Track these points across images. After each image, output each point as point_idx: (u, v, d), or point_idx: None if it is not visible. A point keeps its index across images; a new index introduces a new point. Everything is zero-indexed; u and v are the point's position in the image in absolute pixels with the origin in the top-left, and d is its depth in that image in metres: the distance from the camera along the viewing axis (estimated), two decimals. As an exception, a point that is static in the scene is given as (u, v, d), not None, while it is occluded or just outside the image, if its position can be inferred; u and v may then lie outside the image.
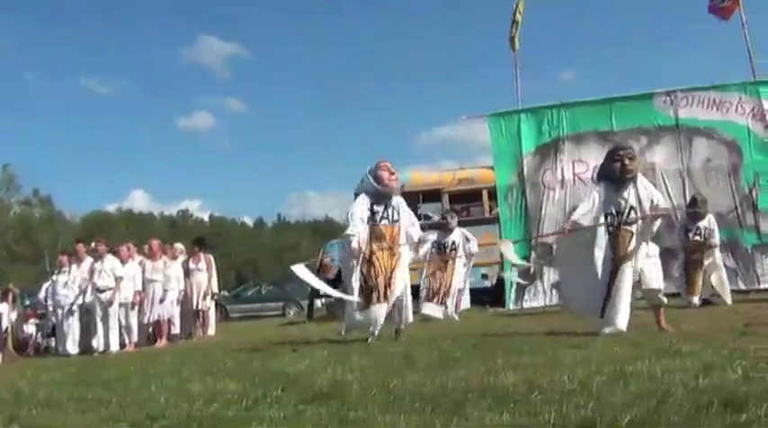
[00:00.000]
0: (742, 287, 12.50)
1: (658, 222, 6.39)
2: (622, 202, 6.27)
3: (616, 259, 6.20)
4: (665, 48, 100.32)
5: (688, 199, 13.19)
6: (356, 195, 7.56)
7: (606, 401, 2.72)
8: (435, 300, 10.73)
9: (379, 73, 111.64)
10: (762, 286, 12.68)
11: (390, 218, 7.19)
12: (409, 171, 16.15)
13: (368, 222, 7.12)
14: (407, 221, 7.33)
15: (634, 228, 6.26)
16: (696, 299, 10.29)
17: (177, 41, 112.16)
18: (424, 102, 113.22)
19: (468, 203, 15.06)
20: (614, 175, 6.33)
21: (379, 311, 6.96)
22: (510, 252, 8.95)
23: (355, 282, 7.02)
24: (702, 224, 10.67)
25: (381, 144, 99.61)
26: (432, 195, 14.82)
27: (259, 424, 2.83)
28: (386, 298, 6.95)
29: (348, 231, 7.02)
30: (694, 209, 10.79)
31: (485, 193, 14.63)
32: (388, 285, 6.97)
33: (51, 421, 3.44)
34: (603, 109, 14.16)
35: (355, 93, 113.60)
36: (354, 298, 6.97)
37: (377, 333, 7.04)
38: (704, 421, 2.22)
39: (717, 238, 10.68)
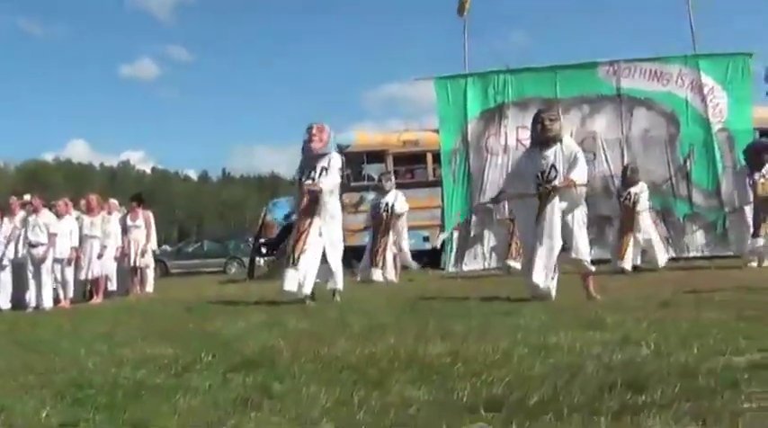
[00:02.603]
0: (672, 255, 12.95)
1: (582, 191, 6.53)
2: (544, 163, 6.44)
3: (539, 218, 6.37)
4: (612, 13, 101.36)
5: (626, 167, 13.59)
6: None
7: (523, 375, 2.82)
8: (377, 263, 10.84)
9: (332, 26, 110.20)
10: (691, 254, 13.18)
11: (314, 178, 7.25)
12: (354, 131, 16.12)
13: (298, 183, 7.34)
14: (328, 180, 7.28)
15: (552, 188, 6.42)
16: (625, 264, 10.59)
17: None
18: (377, 58, 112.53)
19: (412, 166, 15.14)
20: (536, 137, 6.57)
21: (288, 275, 7.03)
22: None
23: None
24: (633, 190, 11.00)
25: (330, 98, 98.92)
26: (376, 156, 14.84)
27: (184, 393, 2.84)
28: (296, 261, 7.02)
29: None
30: (624, 176, 11.16)
31: (429, 156, 14.73)
32: (301, 249, 7.05)
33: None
34: (548, 76, 14.32)
35: (305, 47, 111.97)
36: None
37: (301, 295, 7.06)
38: (605, 402, 2.33)
39: (643, 204, 11.00)
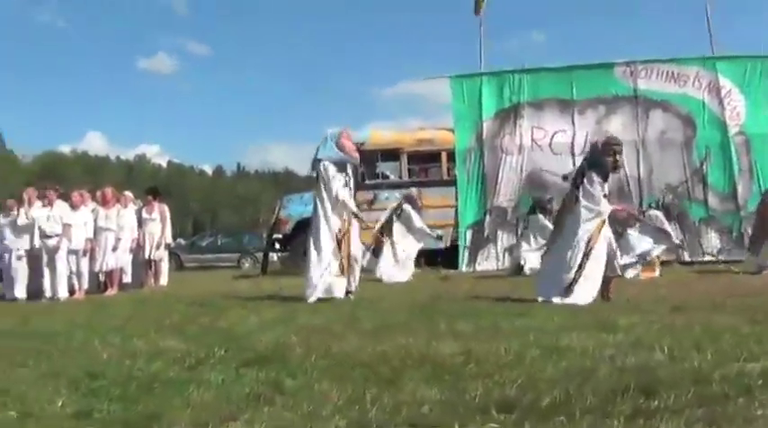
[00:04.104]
0: (687, 258, 12.87)
1: None
2: (606, 192, 6.63)
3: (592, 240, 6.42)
4: (631, 15, 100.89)
5: (642, 170, 13.51)
6: (319, 160, 7.48)
7: (536, 377, 2.82)
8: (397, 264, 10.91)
9: (349, 23, 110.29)
10: (706, 258, 13.07)
11: (349, 185, 7.37)
12: (369, 129, 16.13)
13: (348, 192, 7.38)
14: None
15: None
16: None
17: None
18: (393, 56, 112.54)
19: (426, 164, 15.11)
20: (606, 169, 6.64)
21: (341, 284, 7.12)
22: None
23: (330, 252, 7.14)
24: None
25: (346, 97, 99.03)
26: (391, 154, 14.81)
27: (197, 387, 2.87)
28: (344, 270, 7.11)
29: (352, 208, 7.32)
30: None
31: (444, 155, 14.68)
32: (348, 255, 7.13)
33: (-11, 374, 3.42)
34: (565, 77, 14.24)
35: (321, 45, 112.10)
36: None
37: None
38: (617, 406, 2.33)
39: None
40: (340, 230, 7.15)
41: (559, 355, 3.30)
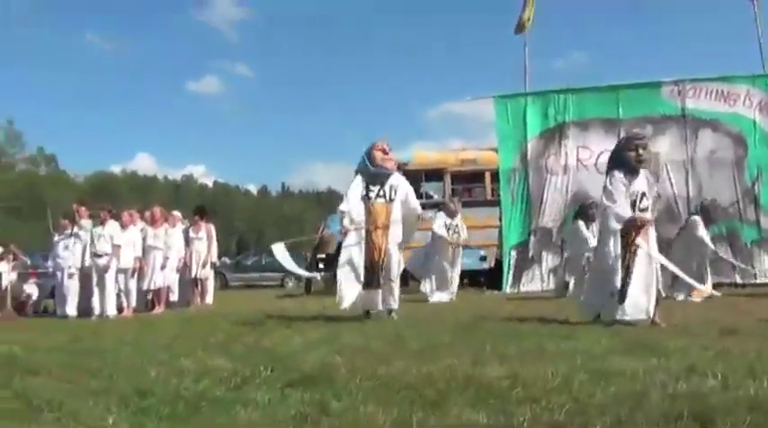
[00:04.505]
0: (739, 281, 12.54)
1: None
2: (634, 192, 6.31)
3: (630, 248, 6.23)
4: (678, 33, 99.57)
5: (691, 190, 13.23)
6: (356, 173, 7.57)
7: (584, 402, 2.76)
8: (443, 284, 10.90)
9: (393, 44, 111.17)
10: (759, 281, 12.71)
11: (387, 196, 7.23)
12: (413, 150, 16.19)
13: (362, 201, 7.22)
14: (403, 198, 7.32)
15: (647, 215, 6.30)
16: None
17: (188, 4, 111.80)
18: (437, 76, 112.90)
19: (470, 184, 15.09)
20: (629, 164, 6.34)
21: (375, 297, 7.09)
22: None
23: (357, 260, 7.11)
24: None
25: (390, 117, 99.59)
26: (434, 175, 14.84)
27: (243, 407, 2.88)
28: (379, 283, 7.06)
29: (340, 207, 7.30)
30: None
31: (487, 175, 14.65)
32: (381, 267, 7.04)
33: (41, 390, 3.50)
34: (610, 96, 14.10)
35: (366, 66, 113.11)
36: (348, 277, 7.07)
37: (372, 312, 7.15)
38: (671, 434, 2.27)
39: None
40: (359, 242, 7.12)
41: (608, 380, 3.23)
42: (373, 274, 7.05)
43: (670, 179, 13.38)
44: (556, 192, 13.83)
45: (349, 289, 7.11)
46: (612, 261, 6.22)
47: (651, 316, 6.05)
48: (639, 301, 6.09)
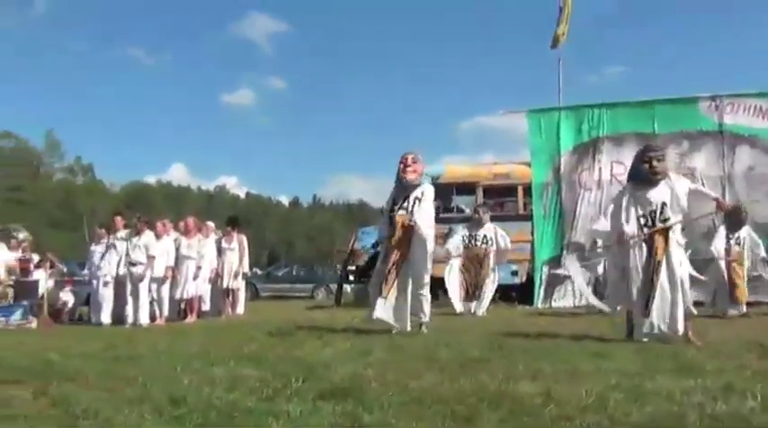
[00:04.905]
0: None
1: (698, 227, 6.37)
2: (652, 202, 6.26)
3: (653, 259, 6.17)
4: (717, 48, 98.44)
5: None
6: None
7: (620, 422, 2.72)
8: (467, 296, 10.85)
9: (425, 57, 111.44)
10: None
11: (408, 208, 7.22)
12: (445, 163, 16.18)
13: (387, 213, 7.34)
14: (424, 213, 7.22)
15: (668, 226, 6.22)
16: (742, 307, 10.25)
17: (226, 17, 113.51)
18: (469, 90, 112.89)
19: (502, 198, 15.00)
20: (643, 176, 6.34)
21: (378, 303, 7.10)
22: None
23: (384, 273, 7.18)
24: (742, 234, 10.57)
25: (422, 130, 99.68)
26: (466, 188, 14.79)
27: (276, 419, 2.89)
28: (388, 293, 7.08)
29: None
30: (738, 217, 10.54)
31: (520, 189, 14.56)
32: (396, 277, 7.08)
33: (78, 397, 3.55)
34: (646, 111, 13.91)
35: (398, 79, 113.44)
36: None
37: (396, 324, 7.13)
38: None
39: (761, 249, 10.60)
40: (386, 255, 7.19)
41: (644, 399, 3.18)
42: (386, 285, 7.09)
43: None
44: (589, 207, 13.65)
45: (375, 301, 7.21)
46: (619, 272, 6.32)
47: (677, 331, 6.00)
48: (663, 315, 6.05)
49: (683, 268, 6.23)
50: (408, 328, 7.11)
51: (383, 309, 7.08)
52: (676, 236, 6.27)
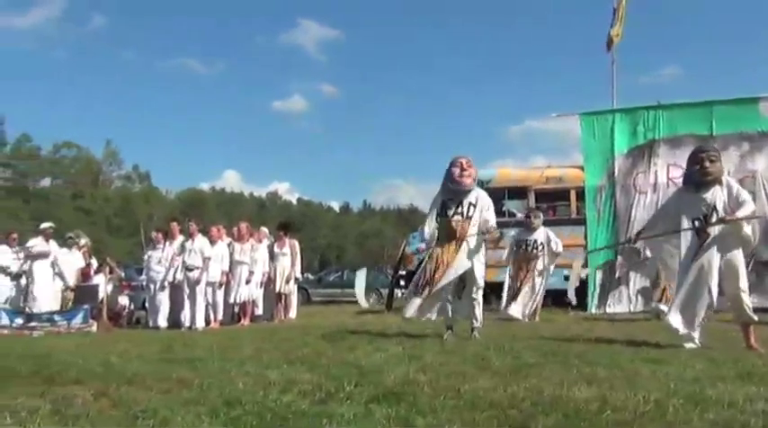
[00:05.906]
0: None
1: (748, 230, 6.12)
2: (704, 206, 6.08)
3: (695, 260, 6.02)
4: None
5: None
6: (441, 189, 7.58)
7: (679, 429, 2.66)
8: (518, 300, 10.70)
9: (474, 61, 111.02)
10: None
11: (464, 213, 7.16)
12: (496, 167, 16.06)
13: (438, 217, 7.24)
14: (481, 216, 7.19)
15: (716, 230, 6.03)
16: None
17: (277, 25, 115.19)
18: (519, 94, 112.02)
19: (554, 202, 14.82)
20: (694, 178, 6.18)
21: (414, 302, 7.11)
22: None
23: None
24: None
25: (472, 134, 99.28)
26: (518, 193, 14.65)
27: (329, 421, 2.91)
28: (430, 293, 7.04)
29: (424, 227, 7.52)
30: None
31: (572, 193, 14.35)
32: (434, 282, 7.03)
33: (137, 398, 3.64)
34: (703, 112, 13.54)
35: (448, 83, 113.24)
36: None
37: (444, 324, 7.17)
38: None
39: None
40: (430, 257, 7.18)
41: (705, 406, 3.09)
42: (426, 285, 7.06)
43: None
44: (644, 211, 13.32)
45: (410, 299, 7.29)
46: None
47: (686, 330, 5.93)
48: (681, 311, 6.00)
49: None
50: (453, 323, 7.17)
51: (415, 308, 7.10)
52: (728, 239, 6.03)
